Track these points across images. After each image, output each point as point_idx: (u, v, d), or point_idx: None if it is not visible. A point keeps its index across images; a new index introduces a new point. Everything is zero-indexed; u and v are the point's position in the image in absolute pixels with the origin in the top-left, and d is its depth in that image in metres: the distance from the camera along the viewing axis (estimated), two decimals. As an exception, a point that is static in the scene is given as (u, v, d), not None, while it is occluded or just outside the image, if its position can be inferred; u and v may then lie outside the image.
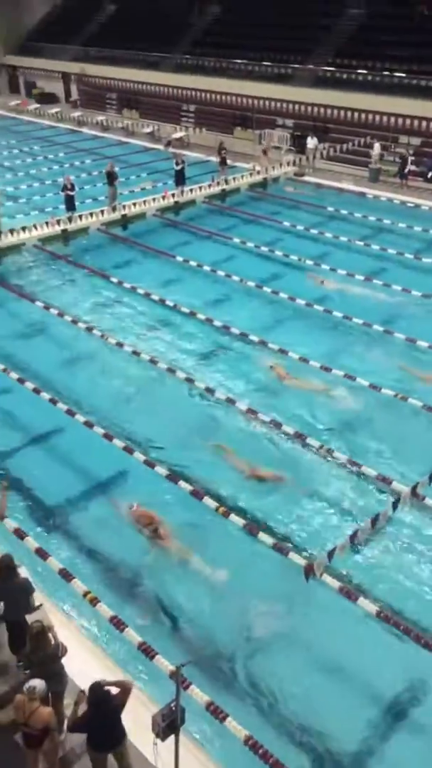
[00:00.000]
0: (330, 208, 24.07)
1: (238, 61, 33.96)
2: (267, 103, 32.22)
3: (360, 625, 8.70)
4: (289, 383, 13.73)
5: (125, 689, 6.59)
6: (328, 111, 30.13)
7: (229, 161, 26.64)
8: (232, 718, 7.31)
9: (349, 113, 29.42)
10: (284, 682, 8.02)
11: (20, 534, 9.93)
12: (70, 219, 21.94)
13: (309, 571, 8.56)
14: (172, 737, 6.28)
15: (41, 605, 7.91)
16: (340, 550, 8.81)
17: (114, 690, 6.57)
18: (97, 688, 6.39)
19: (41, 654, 7.00)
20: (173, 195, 24.39)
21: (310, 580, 8.66)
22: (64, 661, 7.18)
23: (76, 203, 22.41)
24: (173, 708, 6.17)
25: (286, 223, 22.66)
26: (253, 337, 15.39)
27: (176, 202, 24.32)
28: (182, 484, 10.91)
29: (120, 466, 11.55)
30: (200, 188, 25.25)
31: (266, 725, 7.58)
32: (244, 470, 11.30)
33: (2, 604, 7.91)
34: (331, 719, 7.60)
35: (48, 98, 44.16)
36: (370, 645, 8.50)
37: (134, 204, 23.50)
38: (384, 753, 7.35)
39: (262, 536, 9.85)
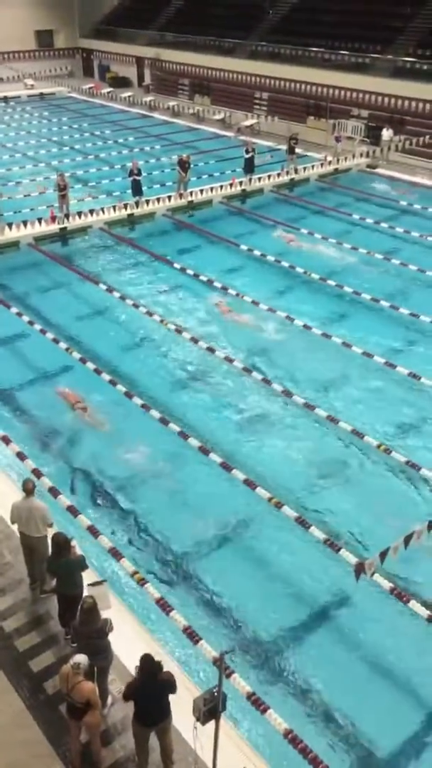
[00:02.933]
0: (402, 202, 23.53)
1: (315, 49, 33.41)
2: (342, 92, 31.62)
3: (411, 626, 8.55)
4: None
5: (172, 676, 6.67)
6: (406, 102, 29.36)
7: (299, 150, 26.29)
8: (273, 710, 7.32)
9: (428, 105, 28.59)
10: (332, 680, 7.96)
11: (74, 511, 10.12)
12: (136, 203, 22.12)
13: (360, 570, 8.44)
14: (212, 723, 6.33)
15: (105, 581, 8.03)
16: (394, 551, 8.65)
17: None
18: (149, 658, 6.50)
19: (89, 628, 7.13)
20: (241, 183, 24.28)
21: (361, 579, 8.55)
22: (110, 638, 7.30)
23: (143, 188, 22.55)
24: (215, 694, 6.20)
25: (356, 216, 22.27)
26: (316, 330, 15.21)
27: (243, 190, 24.20)
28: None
29: (176, 447, 11.62)
30: (269, 177, 25.04)
31: (309, 720, 7.55)
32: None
33: (55, 579, 8.12)
34: (377, 722, 7.51)
35: (121, 82, 44.51)
36: (421, 649, 8.34)
37: (201, 191, 23.49)
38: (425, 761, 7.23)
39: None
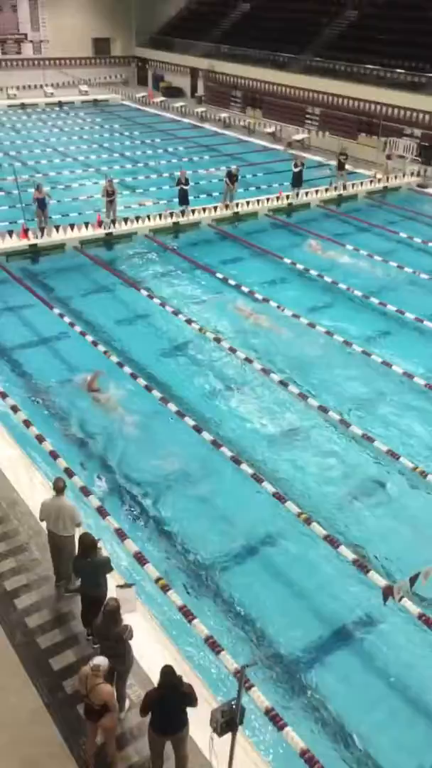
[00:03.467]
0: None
1: (370, 66, 33.34)
2: (395, 110, 31.42)
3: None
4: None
5: (193, 692, 6.62)
6: (459, 123, 29.08)
7: (348, 167, 26.20)
8: (291, 728, 7.21)
9: None
10: (353, 703, 7.82)
11: (103, 512, 10.17)
12: (182, 212, 22.29)
13: (388, 594, 8.28)
14: (228, 735, 6.25)
15: (133, 584, 8.03)
16: (424, 576, 8.45)
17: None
18: (170, 671, 6.45)
19: (109, 631, 7.12)
20: (287, 196, 24.28)
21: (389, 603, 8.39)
22: (131, 642, 7.28)
23: (190, 198, 22.71)
24: (233, 706, 6.13)
25: (403, 234, 22.08)
26: (356, 347, 15.08)
27: (290, 204, 24.20)
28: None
29: (207, 456, 11.61)
30: (316, 191, 25.01)
31: (327, 741, 7.41)
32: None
33: (80, 579, 8.15)
34: (396, 749, 7.34)
35: (174, 92, 45.05)
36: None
37: (247, 202, 23.57)
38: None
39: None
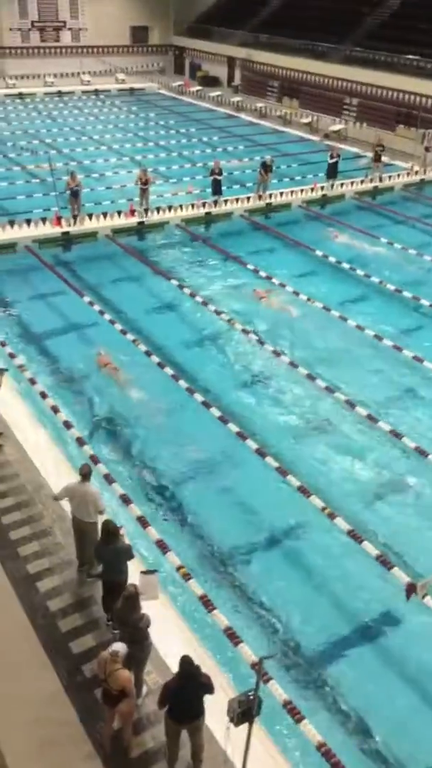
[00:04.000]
0: None
1: (410, 57, 32.75)
2: (434, 102, 30.92)
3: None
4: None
5: (210, 681, 6.62)
6: None
7: (385, 158, 25.81)
8: (309, 721, 7.18)
9: None
10: (372, 699, 7.77)
11: (126, 500, 10.22)
12: (215, 203, 22.20)
13: (411, 590, 8.19)
14: (244, 726, 6.25)
15: (156, 571, 8.06)
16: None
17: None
18: (188, 660, 6.46)
19: (126, 616, 7.16)
20: (322, 188, 24.02)
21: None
22: (150, 630, 7.30)
23: (223, 188, 22.58)
24: (251, 697, 6.12)
25: (439, 228, 21.73)
26: (387, 342, 14.88)
27: (324, 195, 23.94)
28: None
29: (232, 447, 11.58)
30: (351, 183, 24.70)
31: (345, 736, 7.38)
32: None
33: (102, 565, 8.22)
34: (414, 746, 7.27)
35: (210, 81, 44.82)
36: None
37: (281, 193, 23.37)
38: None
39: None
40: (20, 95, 40.46)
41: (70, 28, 45.16)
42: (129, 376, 13.28)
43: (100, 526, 8.35)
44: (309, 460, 11.47)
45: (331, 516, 10.02)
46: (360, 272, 18.41)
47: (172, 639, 7.86)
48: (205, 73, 46.14)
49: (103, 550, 8.10)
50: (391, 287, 17.55)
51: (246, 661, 7.82)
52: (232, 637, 8.10)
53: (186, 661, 6.47)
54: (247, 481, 10.98)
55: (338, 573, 9.36)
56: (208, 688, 6.56)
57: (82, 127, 34.04)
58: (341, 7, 38.73)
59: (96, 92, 42.33)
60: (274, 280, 17.71)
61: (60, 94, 41.45)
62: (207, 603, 8.52)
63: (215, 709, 6.56)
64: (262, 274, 18.10)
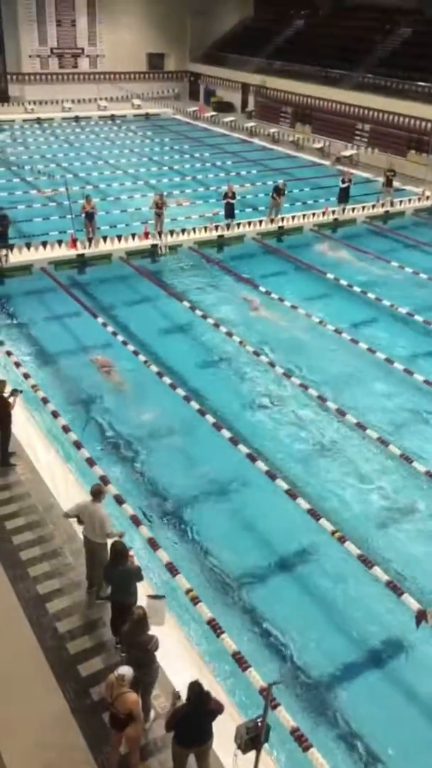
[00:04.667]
0: None
1: (422, 84, 33.13)
2: (446, 128, 31.17)
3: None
4: None
5: (220, 704, 6.58)
6: None
7: (397, 184, 26.00)
8: (317, 749, 7.10)
9: None
10: (380, 728, 7.67)
11: (136, 521, 10.23)
12: (228, 226, 22.41)
13: (421, 618, 8.12)
14: (252, 753, 6.20)
15: (163, 597, 8.01)
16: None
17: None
18: (197, 686, 6.42)
19: (134, 639, 7.14)
20: (333, 212, 24.21)
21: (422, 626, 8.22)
22: (158, 653, 7.27)
23: (236, 211, 22.80)
24: (259, 724, 6.08)
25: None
26: (398, 365, 14.88)
27: (335, 219, 24.13)
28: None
29: (242, 469, 11.58)
30: (363, 208, 24.87)
31: (352, 766, 7.28)
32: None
33: (111, 586, 8.21)
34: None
35: (225, 107, 45.44)
36: None
37: (293, 217, 23.57)
38: None
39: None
40: (38, 120, 41.22)
41: (88, 55, 46.01)
42: (122, 378, 14.07)
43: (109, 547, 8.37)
44: (319, 482, 11.46)
45: (341, 540, 9.97)
46: (371, 295, 18.47)
47: (180, 663, 7.81)
48: (219, 99, 46.79)
49: (112, 572, 8.09)
50: (402, 311, 17.60)
51: (254, 686, 7.76)
52: (241, 661, 8.04)
53: (194, 688, 6.42)
54: (257, 504, 10.97)
55: (348, 598, 9.30)
56: (216, 714, 6.50)
57: (99, 151, 34.54)
58: (354, 35, 39.34)
59: (112, 117, 43.01)
60: (285, 302, 17.80)
61: (77, 119, 42.15)
62: (215, 627, 8.47)
63: (223, 735, 6.51)
64: (275, 296, 18.20)
